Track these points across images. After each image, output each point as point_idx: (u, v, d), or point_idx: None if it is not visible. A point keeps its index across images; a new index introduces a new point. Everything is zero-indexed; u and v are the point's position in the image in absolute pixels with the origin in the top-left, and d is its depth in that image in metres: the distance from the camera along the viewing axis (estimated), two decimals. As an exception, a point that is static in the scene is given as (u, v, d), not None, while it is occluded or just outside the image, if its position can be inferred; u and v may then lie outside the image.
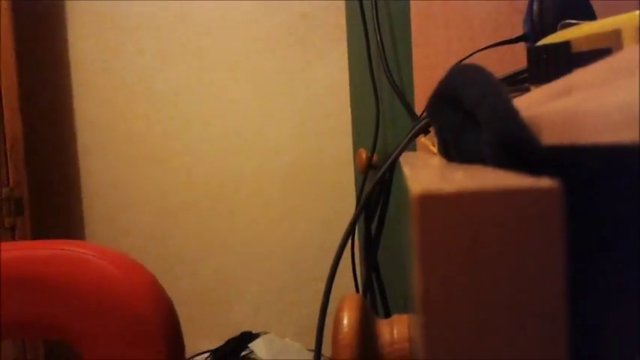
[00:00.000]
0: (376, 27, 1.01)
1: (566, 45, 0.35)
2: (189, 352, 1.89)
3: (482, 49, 0.73)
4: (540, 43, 0.38)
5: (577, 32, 0.35)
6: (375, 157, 1.19)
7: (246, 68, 2.00)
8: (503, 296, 0.14)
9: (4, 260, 0.82)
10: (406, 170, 0.22)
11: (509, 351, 0.14)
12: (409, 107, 0.89)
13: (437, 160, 0.30)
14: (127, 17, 1.98)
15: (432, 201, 0.14)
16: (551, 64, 0.36)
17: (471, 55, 0.75)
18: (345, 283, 1.41)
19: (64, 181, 2.02)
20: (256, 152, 2.00)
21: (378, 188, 0.68)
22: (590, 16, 0.57)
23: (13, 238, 1.69)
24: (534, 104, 0.26)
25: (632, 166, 0.16)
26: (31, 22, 1.94)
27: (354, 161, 1.86)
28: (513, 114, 0.21)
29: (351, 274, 1.25)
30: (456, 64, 0.77)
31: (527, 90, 0.43)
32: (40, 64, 1.98)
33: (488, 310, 0.14)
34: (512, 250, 0.14)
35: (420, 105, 0.89)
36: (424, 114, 0.77)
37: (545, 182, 0.14)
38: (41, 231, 1.88)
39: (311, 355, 1.80)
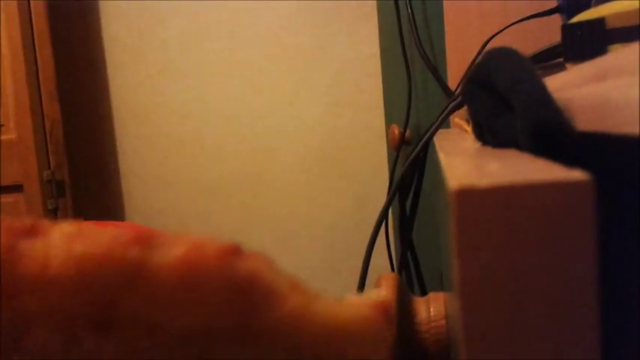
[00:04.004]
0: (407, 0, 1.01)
1: (600, 21, 0.34)
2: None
3: (516, 23, 0.72)
4: (575, 19, 0.38)
5: (611, 8, 0.34)
6: (407, 133, 1.18)
7: (275, 45, 2.00)
8: (537, 285, 0.15)
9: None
10: (442, 157, 0.23)
11: (544, 337, 0.15)
12: (442, 82, 0.88)
13: (471, 143, 0.31)
14: (157, -2, 2.00)
15: (468, 196, 0.14)
16: (585, 41, 0.35)
17: (504, 28, 0.74)
18: (380, 260, 1.42)
19: (102, 162, 2.07)
20: (288, 130, 2.01)
21: (412, 166, 0.69)
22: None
23: (55, 220, 1.75)
24: (569, 86, 0.26)
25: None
26: (64, 7, 1.97)
27: (387, 137, 1.86)
28: (547, 100, 0.21)
29: (386, 251, 1.26)
30: (490, 38, 0.76)
31: (562, 66, 0.42)
32: (75, 48, 2.01)
33: (522, 299, 0.15)
34: (545, 240, 0.15)
35: (452, 79, 0.88)
36: (458, 89, 0.76)
37: (576, 175, 0.14)
38: (82, 211, 1.93)
39: (347, 329, 1.82)
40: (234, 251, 0.18)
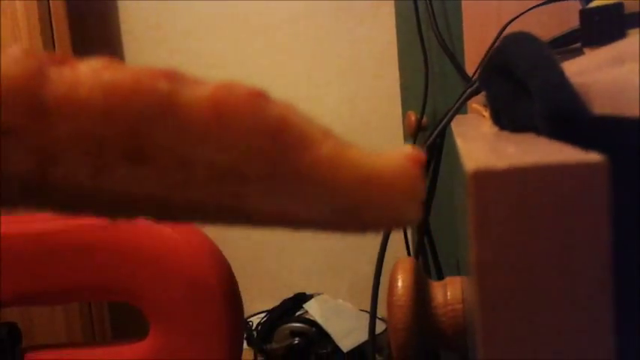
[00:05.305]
0: (424, -13, 1.00)
1: (619, 6, 0.34)
2: (246, 312, 1.95)
3: (534, 7, 0.71)
4: (593, 4, 0.38)
5: (631, -8, 0.34)
6: (424, 120, 1.18)
7: (291, 33, 2.00)
8: (552, 264, 0.15)
9: (72, 227, 0.87)
10: (459, 142, 0.23)
11: (559, 317, 0.16)
12: (460, 68, 0.88)
13: (488, 128, 0.31)
14: (174, -14, 2.01)
15: (485, 177, 0.15)
16: (604, 26, 0.35)
17: (523, 13, 0.74)
18: (396, 247, 1.43)
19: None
20: (305, 116, 2.01)
21: (429, 152, 0.69)
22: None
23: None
24: (586, 70, 0.26)
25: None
26: (83, 5, 1.99)
27: (403, 124, 1.85)
28: (565, 85, 0.21)
29: (402, 238, 1.26)
30: (508, 23, 0.76)
31: (580, 51, 0.42)
32: (93, 41, 2.03)
33: (537, 278, 0.15)
34: (560, 221, 0.15)
35: (470, 65, 0.87)
36: (475, 75, 0.76)
37: (591, 157, 0.15)
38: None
39: (362, 314, 1.83)
40: (263, 95, 0.18)
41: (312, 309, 1.80)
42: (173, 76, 0.17)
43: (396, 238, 1.34)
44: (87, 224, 0.87)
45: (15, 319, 1.01)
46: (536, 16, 0.75)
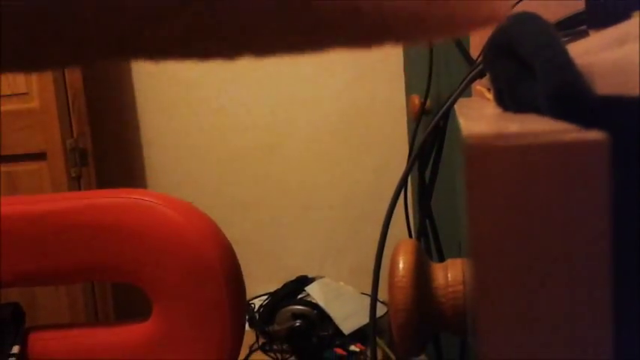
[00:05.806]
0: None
1: (626, -13, 0.34)
2: (248, 294, 1.96)
3: (540, -10, 0.71)
4: (600, -15, 0.37)
5: (639, -27, 0.34)
6: (428, 103, 1.18)
7: (296, 15, 1.99)
8: (551, 240, 0.15)
9: (74, 207, 0.87)
10: (462, 121, 0.23)
11: (558, 289, 0.16)
12: (464, 51, 0.88)
13: (492, 109, 0.31)
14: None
15: (486, 154, 0.15)
16: (609, 7, 0.35)
17: (528, -4, 0.73)
18: (398, 230, 1.43)
19: (124, 132, 2.09)
20: (308, 100, 2.01)
21: (432, 135, 0.69)
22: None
23: (79, 188, 1.77)
24: (590, 52, 0.26)
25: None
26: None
27: (407, 107, 1.85)
28: (569, 65, 0.21)
29: (404, 220, 1.26)
30: (514, 5, 0.75)
31: (586, 34, 0.42)
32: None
33: (536, 254, 0.15)
34: (560, 197, 0.15)
35: (474, 48, 0.87)
36: (480, 58, 0.75)
37: (592, 134, 0.15)
38: (105, 180, 1.96)
39: (363, 297, 1.84)
40: None
41: (314, 292, 1.81)
42: None
43: (398, 224, 1.34)
44: (90, 204, 0.88)
45: (18, 299, 1.02)
46: (541, 1, 0.74)
